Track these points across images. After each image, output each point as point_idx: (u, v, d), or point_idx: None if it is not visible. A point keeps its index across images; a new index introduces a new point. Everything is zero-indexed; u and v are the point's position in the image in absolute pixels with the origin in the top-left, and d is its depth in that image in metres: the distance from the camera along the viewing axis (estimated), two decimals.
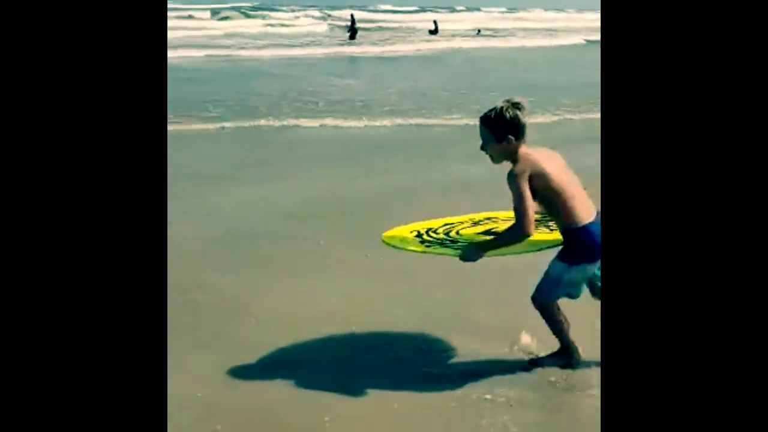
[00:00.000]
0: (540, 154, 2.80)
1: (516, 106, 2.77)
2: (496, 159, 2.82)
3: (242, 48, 22.23)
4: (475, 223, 3.32)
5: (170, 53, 17.08)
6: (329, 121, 9.57)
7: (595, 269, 2.82)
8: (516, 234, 2.69)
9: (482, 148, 2.82)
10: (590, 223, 2.74)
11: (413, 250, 3.04)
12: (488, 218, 3.36)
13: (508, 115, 2.73)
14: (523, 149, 2.77)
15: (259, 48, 22.47)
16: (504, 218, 3.23)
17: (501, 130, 2.74)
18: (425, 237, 3.15)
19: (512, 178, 2.68)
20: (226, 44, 23.27)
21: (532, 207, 2.66)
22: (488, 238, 3.01)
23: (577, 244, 2.75)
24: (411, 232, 3.21)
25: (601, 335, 1.56)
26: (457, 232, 3.20)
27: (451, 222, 3.35)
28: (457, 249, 2.96)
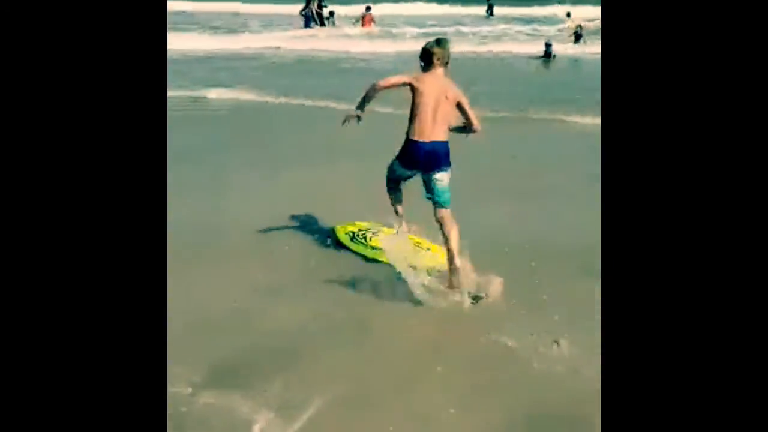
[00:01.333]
0: (431, 79, 3.74)
1: (436, 41, 3.85)
2: None
3: None
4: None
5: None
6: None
7: (404, 172, 3.89)
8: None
9: None
10: (413, 140, 3.71)
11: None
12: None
13: (423, 47, 3.84)
14: (431, 71, 3.77)
15: None
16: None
17: (420, 60, 3.84)
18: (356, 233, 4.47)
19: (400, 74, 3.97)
20: None
21: (389, 80, 3.81)
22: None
23: (402, 147, 3.80)
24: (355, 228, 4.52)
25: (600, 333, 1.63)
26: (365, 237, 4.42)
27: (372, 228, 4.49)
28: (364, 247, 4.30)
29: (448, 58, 3.81)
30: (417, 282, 3.60)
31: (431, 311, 3.53)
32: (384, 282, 3.74)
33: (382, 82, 3.79)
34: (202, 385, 2.89)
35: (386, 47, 16.60)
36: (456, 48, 17.71)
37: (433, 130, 3.67)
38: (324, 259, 4.22)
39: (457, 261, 3.62)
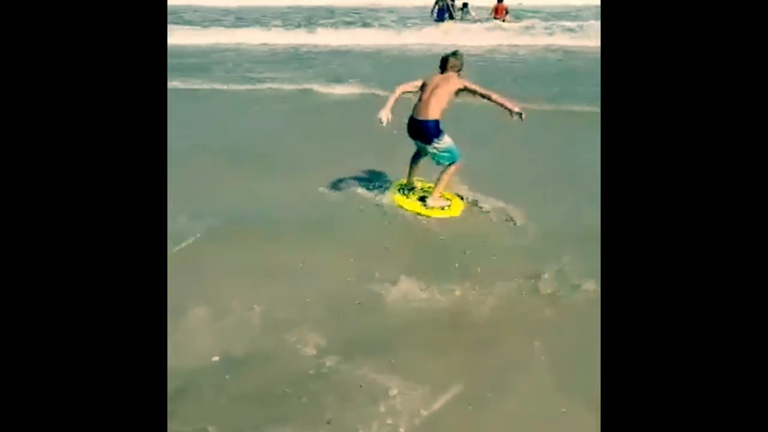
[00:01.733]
0: (435, 77, 4.89)
1: (452, 53, 4.95)
2: None
3: None
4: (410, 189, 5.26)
5: None
6: None
7: (414, 142, 4.98)
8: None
9: None
10: (411, 116, 4.86)
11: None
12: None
13: (442, 57, 4.98)
14: (444, 74, 4.89)
15: None
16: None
17: (439, 66, 4.97)
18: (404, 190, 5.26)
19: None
20: None
21: (402, 87, 4.83)
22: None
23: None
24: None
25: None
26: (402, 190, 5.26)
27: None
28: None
29: (461, 66, 4.91)
30: None
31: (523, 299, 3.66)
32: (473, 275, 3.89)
33: (405, 87, 4.85)
34: (327, 350, 3.11)
35: (515, 40, 16.10)
36: (594, 42, 16.66)
37: (426, 110, 4.76)
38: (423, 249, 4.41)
39: (441, 184, 4.93)
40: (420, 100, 4.82)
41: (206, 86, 10.58)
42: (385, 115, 4.64)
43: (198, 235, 4.40)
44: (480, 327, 3.43)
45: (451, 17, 20.07)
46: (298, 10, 25.09)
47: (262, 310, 3.47)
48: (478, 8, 20.55)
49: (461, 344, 3.28)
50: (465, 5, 20.55)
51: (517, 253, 4.22)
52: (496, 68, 12.32)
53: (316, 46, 15.77)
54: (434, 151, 4.82)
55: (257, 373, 2.97)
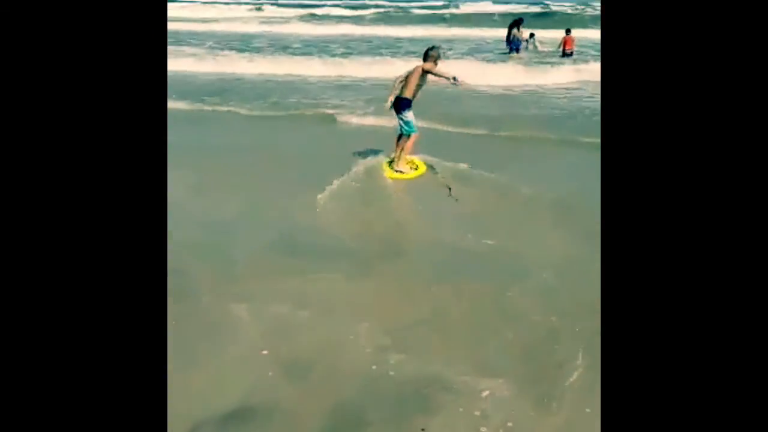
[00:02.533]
0: (417, 66, 6.83)
1: (431, 47, 6.91)
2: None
3: None
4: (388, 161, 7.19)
5: None
6: None
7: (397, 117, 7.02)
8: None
9: None
10: (398, 97, 6.90)
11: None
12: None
13: (425, 50, 6.93)
14: (425, 63, 6.84)
15: None
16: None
17: (423, 57, 6.94)
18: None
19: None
20: None
21: (399, 76, 6.99)
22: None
23: None
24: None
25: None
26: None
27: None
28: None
29: (438, 57, 6.81)
30: None
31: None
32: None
33: (398, 78, 6.89)
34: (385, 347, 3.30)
35: (585, 76, 15.34)
36: None
37: (403, 91, 6.82)
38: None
39: (403, 153, 6.96)
40: (402, 84, 6.85)
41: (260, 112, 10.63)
42: (389, 101, 6.86)
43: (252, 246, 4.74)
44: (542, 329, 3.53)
45: (517, 49, 19.52)
46: (366, 39, 25.24)
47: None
48: (550, 41, 19.91)
49: (536, 348, 3.35)
50: (532, 35, 20.00)
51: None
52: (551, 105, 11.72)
53: (386, 76, 15.56)
54: (400, 121, 6.90)
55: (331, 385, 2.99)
